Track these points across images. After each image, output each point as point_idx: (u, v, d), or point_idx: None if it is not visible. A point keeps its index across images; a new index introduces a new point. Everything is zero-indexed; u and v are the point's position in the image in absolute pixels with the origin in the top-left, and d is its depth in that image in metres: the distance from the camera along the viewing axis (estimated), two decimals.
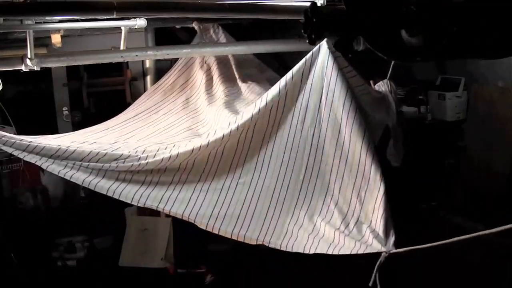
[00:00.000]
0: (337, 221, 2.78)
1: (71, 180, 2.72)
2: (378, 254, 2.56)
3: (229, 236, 2.81)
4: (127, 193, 2.72)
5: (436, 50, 1.51)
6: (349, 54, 1.66)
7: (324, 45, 2.74)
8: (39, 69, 3.12)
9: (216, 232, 2.80)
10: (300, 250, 2.75)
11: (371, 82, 3.94)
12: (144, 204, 2.76)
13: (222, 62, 4.21)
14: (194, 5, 2.91)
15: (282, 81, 2.84)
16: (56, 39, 3.49)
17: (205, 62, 4.22)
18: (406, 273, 3.85)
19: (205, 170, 2.90)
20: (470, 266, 4.27)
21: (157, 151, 2.86)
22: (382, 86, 3.84)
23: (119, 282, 4.37)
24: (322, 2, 2.79)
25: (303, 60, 2.82)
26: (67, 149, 2.69)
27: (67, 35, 3.75)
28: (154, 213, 4.34)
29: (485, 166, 5.60)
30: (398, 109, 3.97)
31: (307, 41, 1.62)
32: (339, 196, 2.84)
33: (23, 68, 3.08)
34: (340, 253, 2.65)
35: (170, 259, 4.48)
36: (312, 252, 2.73)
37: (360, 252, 2.59)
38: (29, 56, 3.04)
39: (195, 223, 2.81)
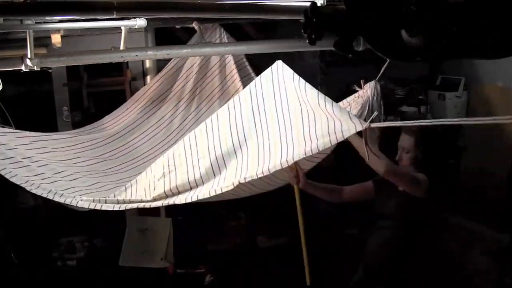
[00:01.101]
0: (304, 123, 2.55)
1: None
2: None
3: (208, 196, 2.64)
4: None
5: (436, 50, 1.51)
6: (349, 54, 1.65)
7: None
8: (39, 69, 3.11)
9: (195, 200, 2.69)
10: (278, 167, 2.49)
11: (362, 81, 3.93)
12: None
13: (206, 75, 4.29)
14: (194, 5, 2.90)
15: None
16: (56, 39, 3.49)
17: (191, 73, 4.27)
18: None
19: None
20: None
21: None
22: (368, 88, 3.83)
23: (119, 282, 4.38)
24: (322, 2, 2.78)
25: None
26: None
27: (67, 35, 3.76)
28: (154, 213, 4.34)
29: (485, 166, 5.60)
30: (380, 114, 3.93)
31: (307, 41, 1.62)
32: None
33: (23, 68, 3.07)
34: (320, 150, 2.41)
35: (170, 259, 4.48)
36: (290, 163, 2.51)
37: (339, 138, 2.35)
38: (29, 56, 3.03)
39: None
